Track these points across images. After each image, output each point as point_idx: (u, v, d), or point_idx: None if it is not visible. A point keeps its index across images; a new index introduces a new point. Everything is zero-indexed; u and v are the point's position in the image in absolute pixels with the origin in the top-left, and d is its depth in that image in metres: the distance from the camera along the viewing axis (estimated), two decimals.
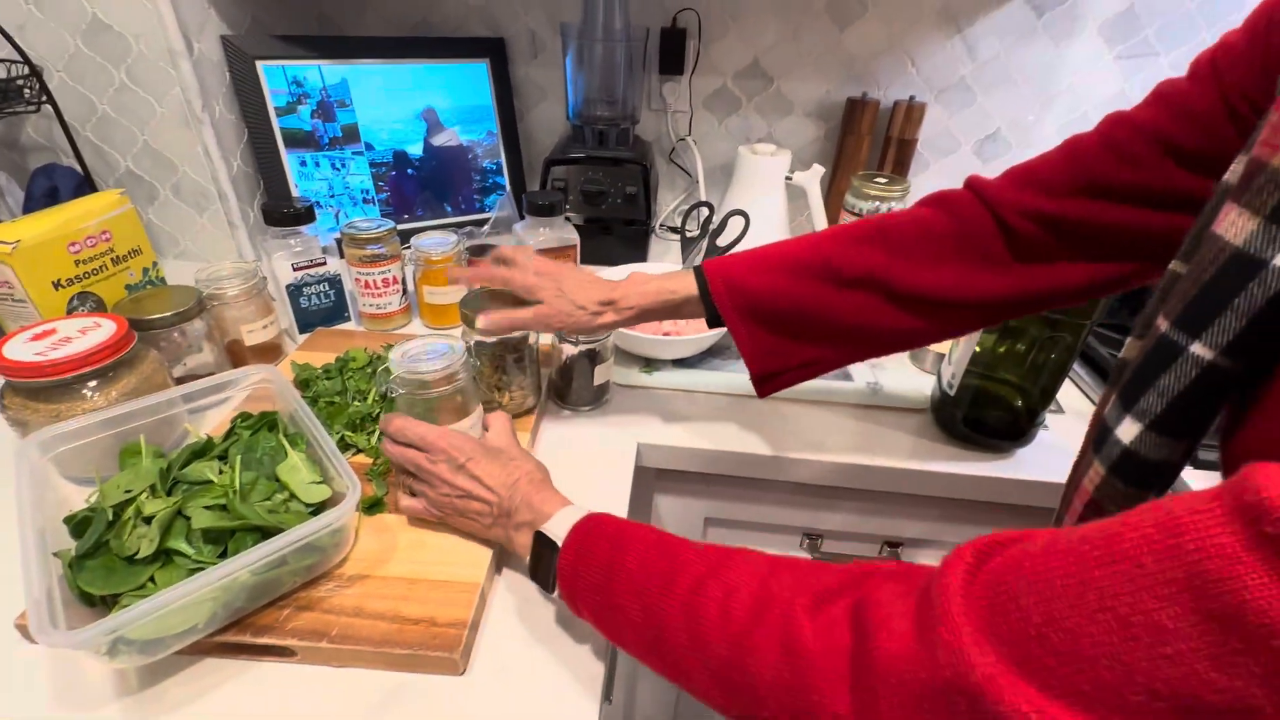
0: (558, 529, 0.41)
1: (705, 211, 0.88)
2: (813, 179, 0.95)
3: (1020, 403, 0.61)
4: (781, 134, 1.06)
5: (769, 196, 0.97)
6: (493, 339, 0.57)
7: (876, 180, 0.91)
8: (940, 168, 1.06)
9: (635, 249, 0.95)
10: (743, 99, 1.03)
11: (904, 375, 0.74)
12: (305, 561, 0.43)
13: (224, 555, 0.41)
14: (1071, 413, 0.71)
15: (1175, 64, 0.94)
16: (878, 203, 0.90)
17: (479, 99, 1.00)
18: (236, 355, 0.68)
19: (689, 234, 0.87)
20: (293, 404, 0.52)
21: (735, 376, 0.72)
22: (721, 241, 0.86)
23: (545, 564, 0.41)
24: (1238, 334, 0.26)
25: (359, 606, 0.43)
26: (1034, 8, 0.92)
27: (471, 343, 0.58)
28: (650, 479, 0.69)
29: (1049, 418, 0.69)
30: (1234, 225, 0.26)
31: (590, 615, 0.39)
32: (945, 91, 1.00)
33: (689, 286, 0.53)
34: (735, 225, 0.86)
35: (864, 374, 0.74)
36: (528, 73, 1.03)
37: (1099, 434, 0.33)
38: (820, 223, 0.98)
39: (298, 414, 0.51)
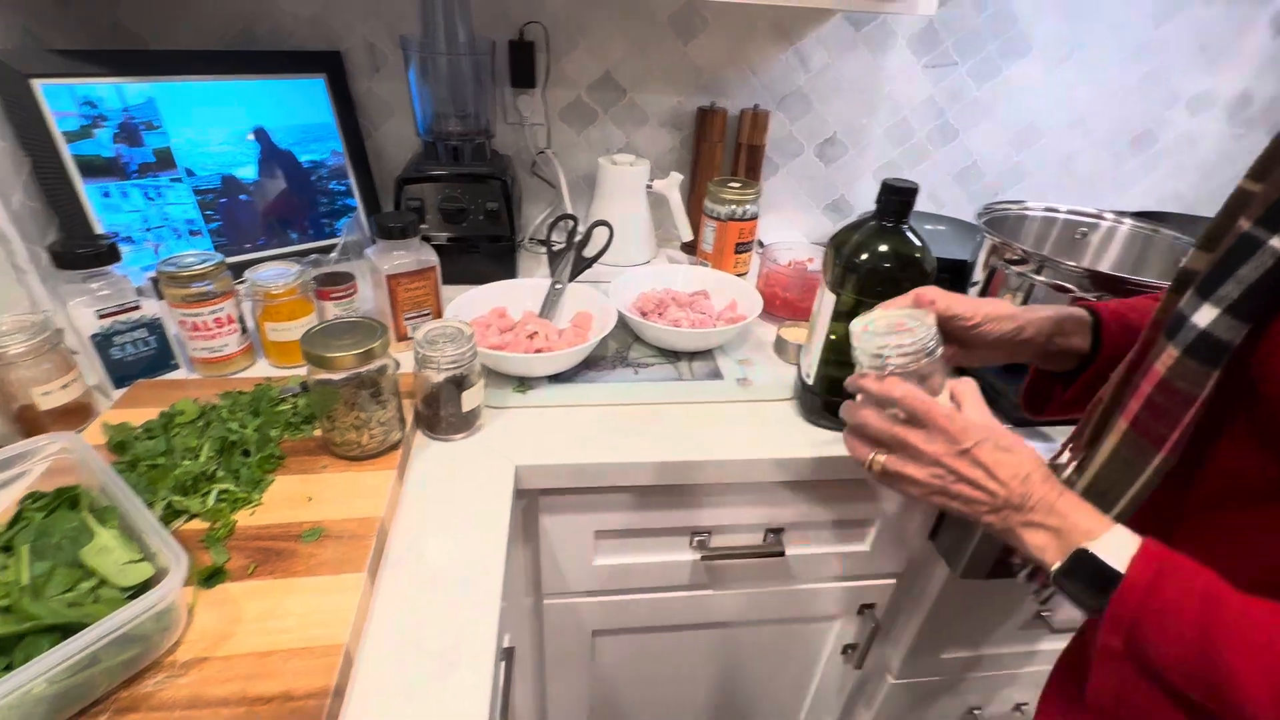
0: (1113, 555, 0.36)
1: (570, 224, 0.88)
2: (672, 186, 0.98)
3: None
4: (640, 143, 1.08)
5: (632, 205, 0.98)
6: (341, 375, 0.52)
7: (730, 185, 0.96)
8: (789, 169, 1.13)
9: (502, 265, 0.93)
10: (599, 110, 1.04)
11: (770, 368, 0.78)
12: (123, 656, 0.37)
13: (10, 667, 0.35)
14: None
15: (972, 71, 1.07)
16: (733, 206, 0.94)
17: (319, 116, 0.93)
18: (31, 423, 0.58)
19: (555, 246, 0.86)
20: (100, 474, 0.45)
21: (613, 387, 0.73)
22: (588, 252, 0.86)
23: (1088, 586, 0.37)
24: None
25: (196, 696, 0.38)
26: (852, 22, 1.01)
27: (313, 381, 0.53)
28: (534, 500, 0.67)
29: None
30: None
31: (1169, 655, 0.34)
32: (786, 99, 1.07)
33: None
34: (600, 235, 0.86)
35: (733, 370, 0.77)
36: (371, 88, 0.98)
37: (1173, 323, 0.37)
38: (683, 227, 1.01)
39: (108, 485, 0.44)
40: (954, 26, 1.03)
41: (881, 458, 0.46)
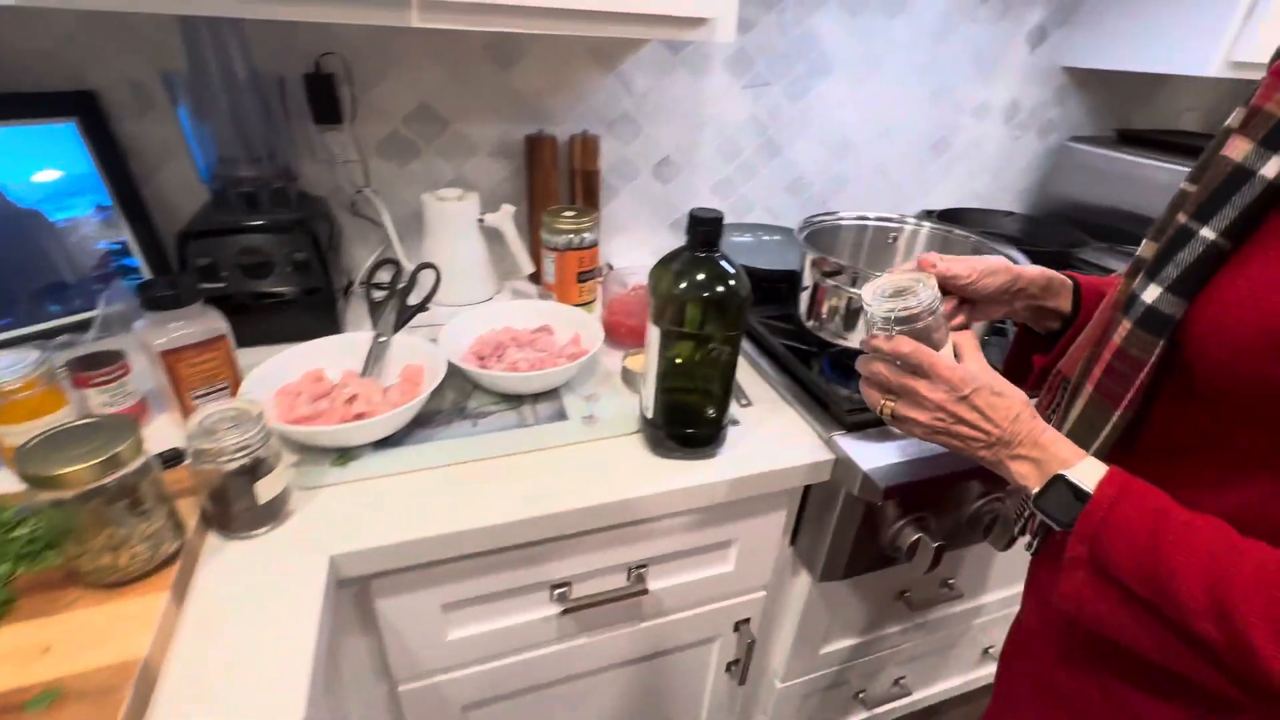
0: (1084, 478, 0.42)
1: (392, 269, 0.81)
2: (505, 219, 0.94)
3: (710, 410, 0.66)
4: (471, 175, 1.03)
5: (465, 241, 0.93)
6: (76, 493, 0.43)
7: (565, 215, 0.93)
8: (629, 191, 1.14)
9: (322, 320, 0.84)
10: (420, 143, 0.98)
11: (617, 400, 0.77)
12: None
13: None
14: (761, 402, 0.79)
15: (785, 91, 1.13)
16: (569, 235, 0.92)
17: (73, 166, 0.80)
18: None
19: (376, 296, 0.79)
20: None
21: (449, 445, 0.67)
22: (414, 299, 0.80)
23: (1062, 505, 0.43)
24: (1232, 221, 0.38)
25: None
26: (668, 47, 1.03)
27: (42, 503, 0.44)
28: (366, 585, 0.60)
29: (741, 412, 0.77)
30: (1237, 149, 0.39)
31: (1124, 562, 0.40)
32: (615, 123, 1.07)
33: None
34: (427, 279, 0.81)
35: (579, 407, 0.75)
36: (141, 130, 0.85)
37: (1127, 301, 0.43)
38: (522, 260, 0.97)
39: None
40: (763, 49, 1.08)
41: (891, 404, 0.51)
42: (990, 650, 1.17)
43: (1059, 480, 0.43)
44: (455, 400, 0.75)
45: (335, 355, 0.74)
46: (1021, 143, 1.37)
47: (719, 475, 0.67)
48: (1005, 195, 1.43)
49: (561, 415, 0.73)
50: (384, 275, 0.81)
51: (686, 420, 0.66)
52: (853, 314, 0.78)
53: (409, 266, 0.84)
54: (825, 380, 0.82)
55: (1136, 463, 0.45)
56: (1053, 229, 1.29)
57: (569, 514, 0.62)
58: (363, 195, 0.96)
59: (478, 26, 0.66)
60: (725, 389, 0.65)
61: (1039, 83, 1.31)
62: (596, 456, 0.68)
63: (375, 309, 0.78)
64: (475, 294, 0.95)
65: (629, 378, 0.80)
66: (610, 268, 1.13)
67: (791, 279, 0.89)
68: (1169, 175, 1.19)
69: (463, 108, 0.98)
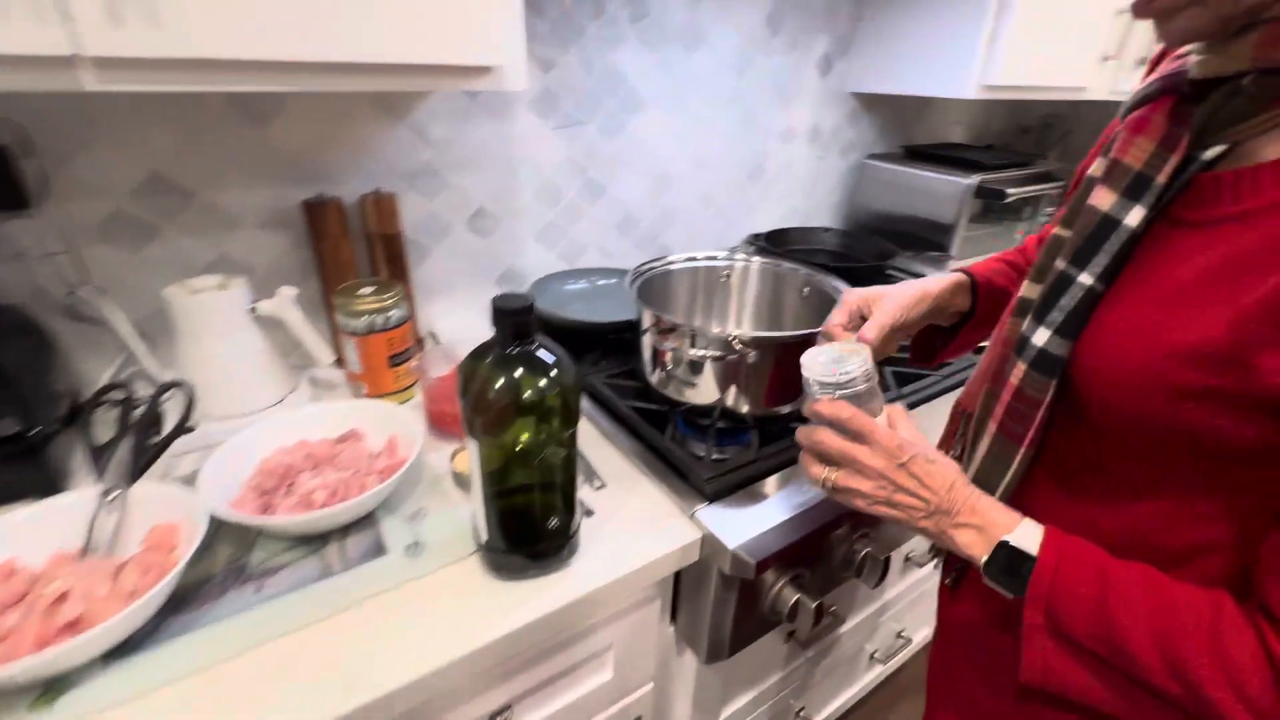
0: (1026, 542, 0.44)
1: (121, 395, 0.62)
2: (285, 305, 0.78)
3: (554, 519, 0.57)
4: (239, 253, 0.85)
5: (235, 338, 0.76)
6: None
7: (363, 293, 0.79)
8: (444, 250, 1.01)
9: (28, 476, 0.62)
10: (158, 222, 0.79)
11: (449, 512, 0.65)
12: None
13: None
14: (615, 480, 0.72)
15: (600, 128, 1.08)
16: (372, 316, 0.78)
17: None
18: None
19: (100, 438, 0.60)
20: None
21: (221, 630, 0.51)
22: (165, 427, 0.61)
23: (1010, 570, 0.44)
24: (1105, 267, 0.42)
25: None
26: (465, 92, 0.93)
27: None
28: None
29: (595, 497, 0.69)
30: (1103, 199, 0.42)
31: (1080, 625, 0.41)
32: (414, 177, 0.94)
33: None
34: (179, 404, 0.63)
35: (401, 533, 0.62)
36: None
37: (1019, 343, 0.46)
38: (317, 350, 0.81)
39: None
40: (569, 88, 1.02)
41: (833, 475, 0.51)
42: (875, 654, 1.20)
43: (1005, 545, 0.45)
44: (232, 557, 0.58)
45: (36, 532, 0.55)
46: (826, 162, 1.45)
47: (579, 589, 0.58)
48: (820, 211, 1.51)
49: (379, 549, 0.60)
50: (106, 409, 0.62)
51: (529, 535, 0.57)
52: (696, 368, 0.73)
53: (161, 378, 0.66)
54: (681, 441, 0.77)
55: (1036, 491, 0.49)
56: (865, 241, 1.38)
57: (404, 690, 0.49)
58: (79, 295, 0.74)
59: (183, 88, 0.52)
60: (568, 491, 0.56)
61: (834, 107, 1.39)
62: (429, 598, 0.56)
63: (99, 455, 0.59)
64: (257, 400, 0.77)
65: (461, 480, 0.68)
66: (435, 340, 1.00)
67: (634, 327, 0.83)
68: (946, 185, 1.31)
69: (210, 174, 0.80)
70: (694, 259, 0.90)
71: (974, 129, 1.72)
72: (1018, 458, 0.48)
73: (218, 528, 0.59)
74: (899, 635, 1.20)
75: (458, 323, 1.04)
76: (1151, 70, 0.50)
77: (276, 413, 0.74)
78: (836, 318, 0.60)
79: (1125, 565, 0.42)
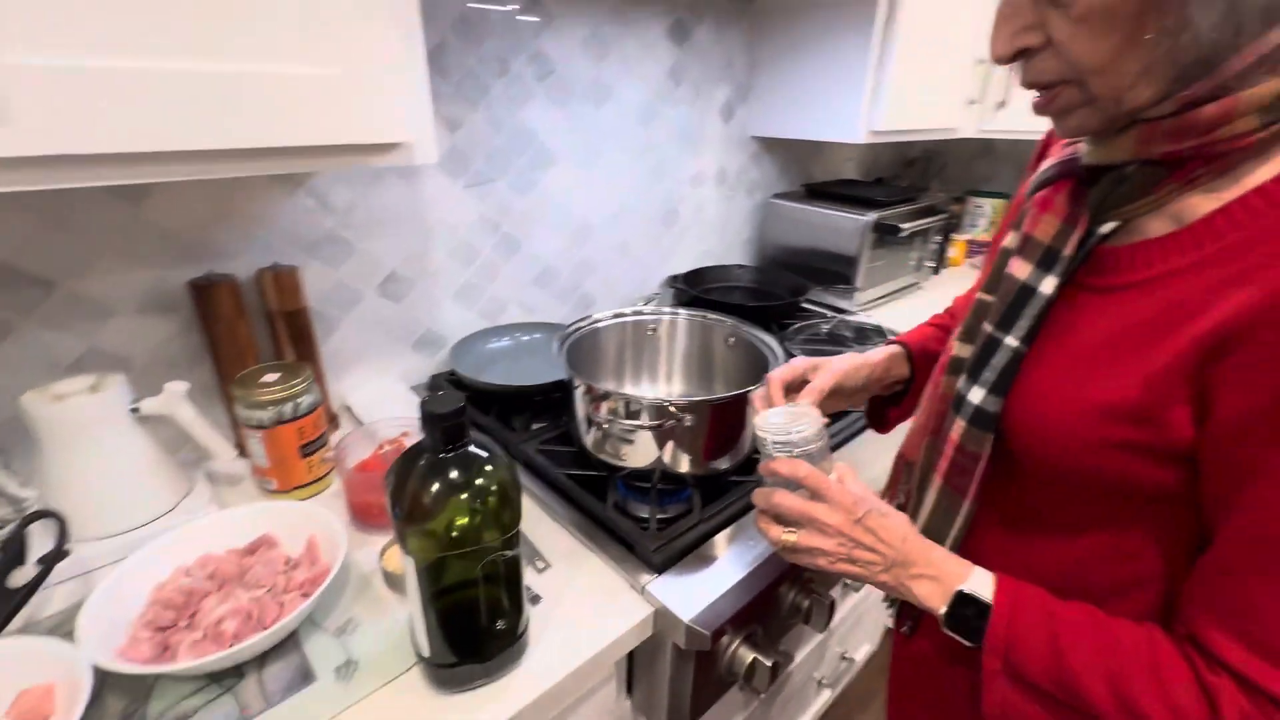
0: (981, 590, 0.46)
1: None
2: (174, 402, 0.70)
3: (500, 623, 0.54)
4: (114, 345, 0.76)
5: (114, 446, 0.67)
6: None
7: (265, 382, 0.73)
8: (354, 319, 0.95)
9: None
10: (11, 318, 0.69)
11: (381, 623, 0.60)
12: None
13: None
14: (560, 558, 0.69)
15: (512, 185, 1.07)
16: (277, 407, 0.72)
17: None
18: None
19: None
20: None
21: None
22: (17, 580, 0.53)
23: (966, 619, 0.46)
24: (1026, 330, 0.46)
25: None
26: None
27: None
28: None
29: (540, 579, 0.66)
30: (1020, 270, 0.47)
31: (1036, 670, 0.44)
32: (317, 246, 0.88)
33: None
34: (48, 531, 0.54)
35: (330, 653, 0.56)
36: None
37: (956, 400, 0.50)
38: (216, 447, 0.73)
39: None
40: (479, 147, 1.00)
41: (792, 536, 0.52)
42: (823, 680, 1.22)
43: (962, 594, 0.47)
44: (125, 712, 0.51)
45: None
46: (735, 203, 1.51)
47: (533, 690, 0.54)
48: (733, 250, 1.56)
49: (305, 676, 0.54)
50: None
51: (474, 645, 0.53)
52: (625, 436, 0.72)
53: (23, 499, 0.56)
54: (623, 504, 0.76)
55: (981, 536, 0.52)
56: (778, 276, 1.44)
57: None
58: None
59: (61, 184, 0.46)
60: (514, 594, 0.53)
61: (737, 150, 1.45)
62: None
63: None
64: (145, 511, 0.68)
65: (393, 580, 0.63)
66: (350, 413, 0.93)
67: (564, 387, 0.81)
68: (846, 222, 1.40)
69: (75, 260, 0.71)
70: (621, 314, 0.90)
71: (864, 164, 1.85)
72: (963, 509, 0.51)
73: (104, 679, 0.51)
74: (843, 658, 1.23)
75: (373, 394, 0.98)
76: (1042, 152, 0.56)
77: (171, 524, 0.66)
78: (779, 373, 0.62)
79: (1070, 606, 0.45)
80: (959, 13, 1.30)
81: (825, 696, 1.27)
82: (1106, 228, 0.44)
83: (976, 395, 0.48)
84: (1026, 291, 0.47)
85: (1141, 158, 0.41)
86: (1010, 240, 0.50)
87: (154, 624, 0.54)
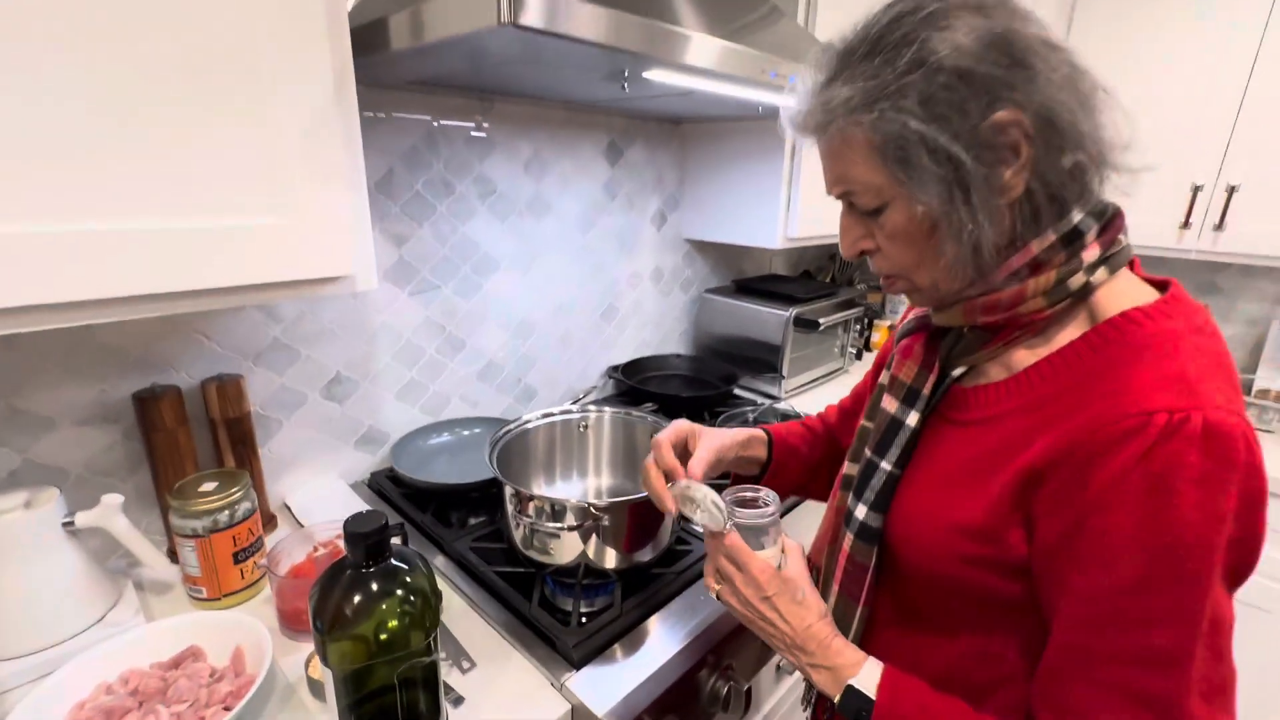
0: (866, 683, 0.51)
1: None
2: (109, 515, 0.72)
3: None
4: (49, 456, 0.78)
5: (45, 562, 0.68)
6: None
7: (201, 491, 0.76)
8: (296, 420, 0.99)
9: None
10: None
11: None
12: None
13: None
14: (485, 658, 0.72)
15: (457, 290, 1.15)
16: (212, 516, 0.75)
17: None
18: None
19: None
20: None
21: None
22: None
23: (855, 710, 0.51)
24: (897, 456, 0.55)
25: None
26: None
27: None
28: None
29: (464, 681, 0.69)
30: (889, 404, 0.57)
31: None
32: (264, 355, 0.94)
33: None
34: None
35: None
36: None
37: (846, 516, 0.58)
38: (150, 559, 0.75)
39: None
40: (424, 258, 1.09)
41: (718, 587, 0.60)
42: None
43: (851, 689, 0.52)
44: None
45: None
46: (671, 298, 1.63)
47: None
48: (670, 340, 1.67)
49: None
50: None
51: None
52: (551, 534, 0.77)
53: None
54: (551, 599, 0.80)
55: (879, 632, 0.59)
56: (712, 364, 1.54)
57: None
58: None
59: (11, 330, 0.51)
60: (432, 698, 0.57)
61: (671, 251, 1.58)
62: None
63: None
64: (68, 625, 0.69)
65: (318, 688, 0.65)
66: (289, 512, 0.96)
67: (498, 484, 0.86)
68: (770, 316, 1.53)
69: (21, 380, 0.74)
70: (550, 414, 0.97)
71: (791, 260, 2.03)
72: (858, 613, 0.58)
73: None
74: None
75: (313, 493, 1.01)
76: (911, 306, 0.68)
77: (97, 638, 0.67)
78: (665, 435, 0.67)
79: (943, 700, 0.50)
80: None
81: None
82: (958, 371, 0.53)
83: (860, 511, 0.56)
84: (896, 423, 0.56)
85: (969, 324, 0.51)
86: (884, 377, 0.60)
87: None
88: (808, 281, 1.84)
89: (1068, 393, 0.46)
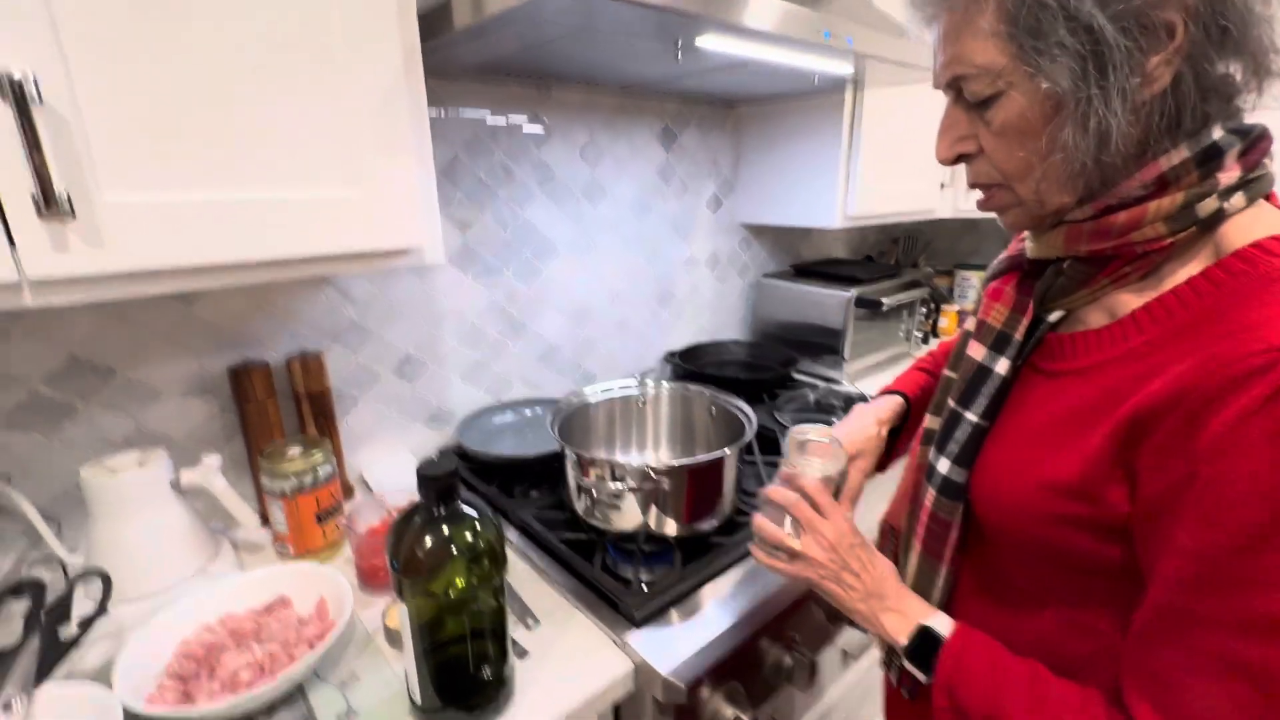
0: (940, 628, 0.52)
1: (27, 593, 0.61)
2: (209, 475, 0.78)
3: (486, 670, 0.59)
4: (158, 424, 0.86)
5: (155, 515, 0.75)
6: None
7: (289, 454, 0.82)
8: (371, 398, 1.05)
9: None
10: (76, 402, 0.79)
11: (382, 676, 0.64)
12: None
13: None
14: (549, 616, 0.74)
15: (517, 274, 1.19)
16: (298, 478, 0.80)
17: None
18: None
19: (4, 640, 0.58)
20: None
21: None
22: (69, 632, 0.60)
23: (923, 654, 0.51)
24: (985, 407, 0.51)
25: None
26: None
27: None
28: None
29: (529, 636, 0.70)
30: (977, 351, 0.53)
31: (975, 713, 0.47)
32: (341, 334, 1.00)
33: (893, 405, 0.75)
34: (92, 589, 0.62)
35: (333, 703, 0.61)
36: None
37: (929, 471, 0.55)
38: (243, 517, 0.81)
39: None
40: (487, 243, 1.13)
41: (795, 542, 0.58)
42: None
43: (924, 628, 0.51)
44: None
45: None
46: (728, 283, 1.62)
47: None
48: (728, 326, 1.66)
49: None
50: (17, 605, 0.60)
51: (464, 689, 0.58)
52: (618, 497, 0.78)
53: (71, 563, 0.64)
54: (613, 566, 0.81)
55: (963, 603, 0.55)
56: (770, 350, 1.52)
57: None
58: None
59: (116, 296, 0.56)
60: (500, 642, 0.59)
61: (727, 236, 1.57)
62: None
63: (4, 658, 0.57)
64: (176, 572, 0.75)
65: (394, 637, 0.69)
66: (366, 485, 1.01)
67: (560, 458, 0.88)
68: (831, 299, 1.49)
69: (133, 351, 0.82)
70: (609, 390, 0.98)
71: (852, 244, 1.97)
72: (942, 574, 0.55)
73: None
74: None
75: (387, 466, 1.06)
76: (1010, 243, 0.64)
77: (197, 586, 0.73)
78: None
79: (1017, 661, 0.47)
80: (920, 105, 1.45)
81: None
82: (1054, 316, 0.49)
83: (943, 465, 0.53)
84: (983, 372, 0.52)
85: (1071, 254, 0.47)
86: (970, 323, 0.56)
87: (178, 674, 0.60)
88: (869, 264, 1.79)
89: (1181, 336, 0.41)
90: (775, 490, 0.61)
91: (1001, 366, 0.51)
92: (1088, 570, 0.46)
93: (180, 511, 0.77)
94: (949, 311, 1.94)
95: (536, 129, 1.14)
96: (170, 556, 0.75)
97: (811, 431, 0.64)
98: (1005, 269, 0.54)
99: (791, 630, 0.81)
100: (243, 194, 0.59)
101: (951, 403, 0.54)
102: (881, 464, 0.78)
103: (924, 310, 1.73)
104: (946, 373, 0.57)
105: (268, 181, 0.60)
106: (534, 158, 1.16)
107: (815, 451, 0.62)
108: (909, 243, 2.04)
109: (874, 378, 1.55)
